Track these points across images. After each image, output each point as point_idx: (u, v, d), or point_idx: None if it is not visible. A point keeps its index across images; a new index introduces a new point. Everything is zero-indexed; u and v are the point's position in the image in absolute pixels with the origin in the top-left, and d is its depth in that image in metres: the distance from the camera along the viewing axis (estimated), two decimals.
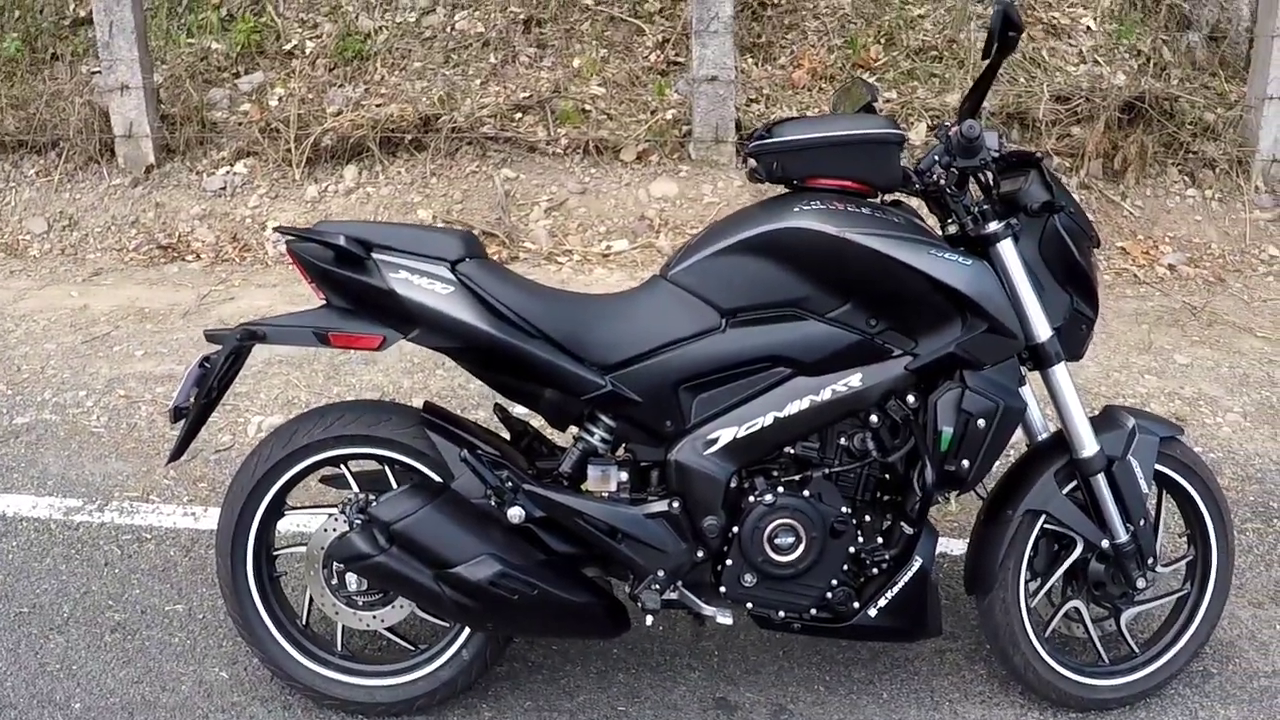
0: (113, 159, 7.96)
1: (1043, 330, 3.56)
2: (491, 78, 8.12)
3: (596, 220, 7.28)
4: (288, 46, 8.17)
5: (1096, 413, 3.88)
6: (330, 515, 3.63)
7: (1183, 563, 4.09)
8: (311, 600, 3.73)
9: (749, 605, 3.61)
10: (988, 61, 3.45)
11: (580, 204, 7.38)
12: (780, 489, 3.51)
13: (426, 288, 3.37)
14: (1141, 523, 3.79)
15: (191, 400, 3.48)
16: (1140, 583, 3.84)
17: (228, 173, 7.49)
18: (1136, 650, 4.01)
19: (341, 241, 3.34)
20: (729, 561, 3.53)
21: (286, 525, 3.89)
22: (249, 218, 7.14)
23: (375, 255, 3.38)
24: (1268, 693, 4.13)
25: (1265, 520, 5.13)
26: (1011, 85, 8.47)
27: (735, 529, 3.50)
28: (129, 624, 4.00)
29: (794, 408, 3.44)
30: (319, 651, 3.73)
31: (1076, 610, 3.94)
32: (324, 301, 3.47)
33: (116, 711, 3.67)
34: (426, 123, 7.65)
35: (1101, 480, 3.73)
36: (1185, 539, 4.10)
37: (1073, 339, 3.68)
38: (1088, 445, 3.69)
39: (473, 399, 5.22)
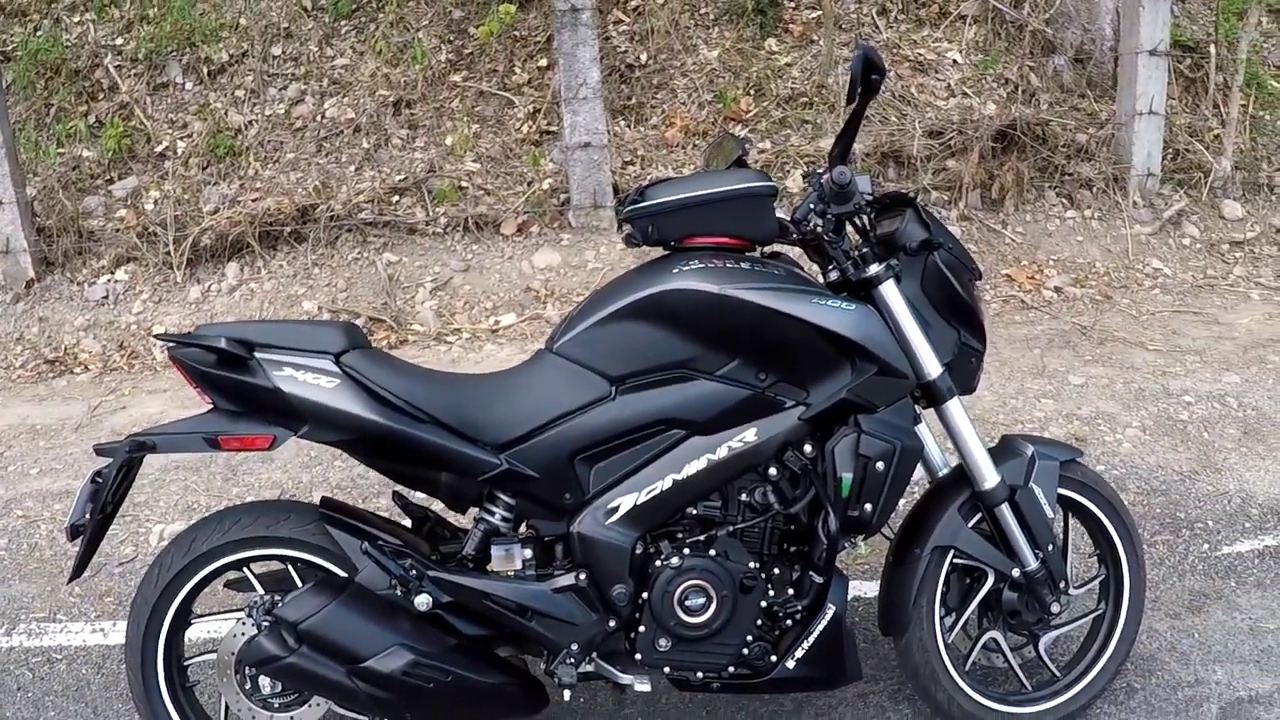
0: None
1: (933, 367, 3.57)
2: (365, 163, 8.11)
3: (482, 296, 7.27)
4: (159, 148, 8.12)
5: (995, 443, 3.89)
6: (238, 619, 3.58)
7: (1095, 582, 4.11)
8: (227, 707, 3.66)
9: (666, 669, 3.58)
10: (852, 106, 3.46)
11: (465, 281, 7.37)
12: (686, 550, 3.50)
13: (312, 383, 3.34)
14: (1050, 548, 3.81)
15: (87, 517, 3.41)
16: (1054, 607, 3.86)
17: (109, 281, 7.42)
18: (1058, 674, 4.03)
19: (223, 344, 3.30)
20: (642, 628, 3.51)
21: (195, 633, 3.84)
22: (134, 324, 7.07)
23: (258, 354, 3.35)
24: (1193, 702, 4.16)
25: (1174, 531, 5.18)
26: (884, 124, 8.56)
27: (645, 595, 3.49)
28: None
29: (692, 468, 3.43)
30: None
31: (994, 641, 3.94)
32: (211, 405, 3.43)
33: None
34: (304, 213, 7.61)
35: (1006, 510, 3.75)
36: (1095, 559, 4.12)
37: (963, 373, 3.70)
38: (989, 477, 3.71)
39: (372, 488, 5.18)
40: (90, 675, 4.28)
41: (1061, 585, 3.87)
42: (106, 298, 7.32)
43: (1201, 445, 5.87)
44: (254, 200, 7.63)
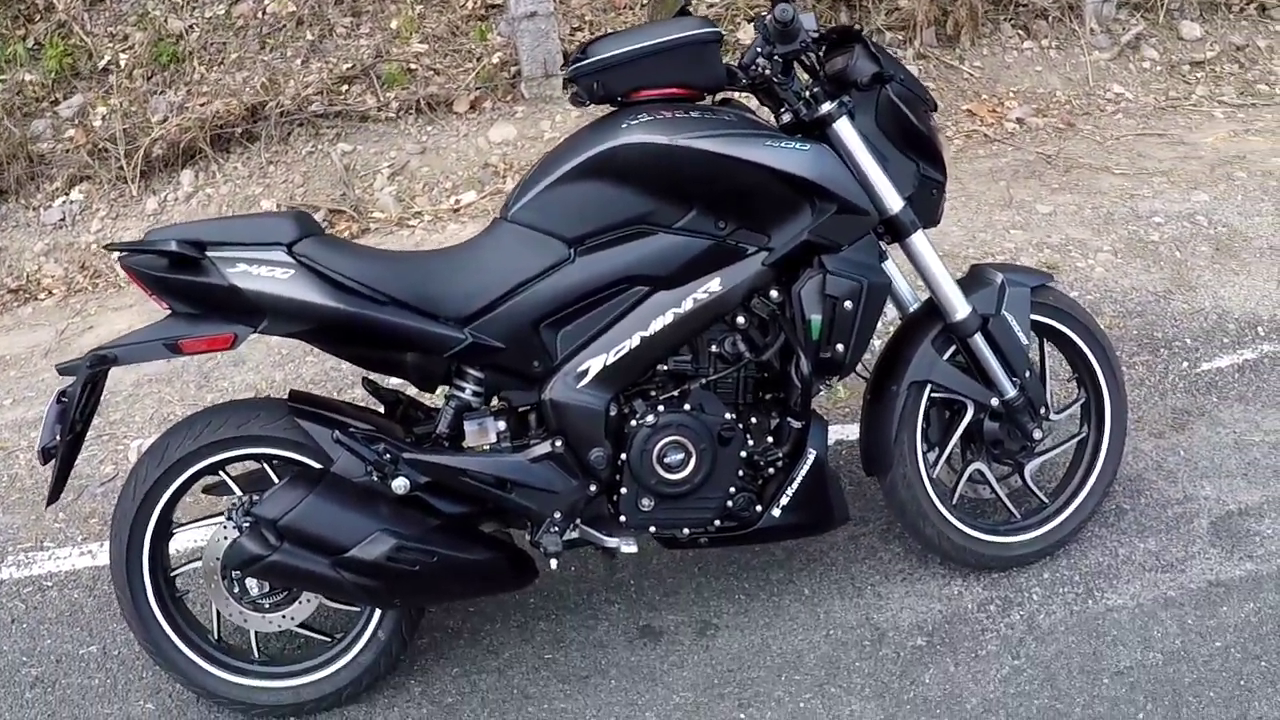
0: None
1: (894, 202, 3.53)
2: (311, 55, 7.97)
3: (441, 177, 7.19)
4: (101, 63, 7.96)
5: (963, 275, 3.86)
6: (219, 524, 3.54)
7: (1076, 406, 4.11)
8: (219, 613, 3.64)
9: (652, 529, 3.58)
10: None
11: (422, 164, 7.28)
12: (661, 408, 3.48)
13: (266, 276, 3.27)
14: (1027, 374, 3.80)
15: (57, 438, 3.37)
16: (1037, 434, 3.86)
17: (64, 203, 7.32)
18: (1046, 501, 4.03)
19: (173, 247, 3.23)
20: (623, 490, 3.50)
21: (179, 543, 3.82)
22: (94, 244, 6.98)
23: (210, 253, 3.27)
24: (1182, 518, 4.18)
25: (1152, 351, 5.17)
26: None
27: (623, 456, 3.47)
28: (47, 676, 3.90)
29: (659, 324, 3.40)
30: (237, 663, 3.64)
31: (979, 473, 3.94)
32: (169, 311, 3.37)
33: None
34: (254, 113, 7.49)
35: (980, 340, 3.73)
36: (1074, 383, 4.12)
37: (926, 205, 3.66)
38: (960, 308, 3.68)
39: (346, 380, 5.14)
40: (83, 599, 4.26)
41: (1042, 411, 3.87)
42: (63, 220, 7.22)
43: (1174, 265, 5.85)
44: (202, 105, 7.51)
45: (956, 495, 3.94)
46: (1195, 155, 7.16)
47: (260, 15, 8.19)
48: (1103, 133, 7.59)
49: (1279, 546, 4.06)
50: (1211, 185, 6.67)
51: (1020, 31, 8.51)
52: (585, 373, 3.40)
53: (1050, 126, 7.72)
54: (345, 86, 7.78)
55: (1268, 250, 5.97)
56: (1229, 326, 5.35)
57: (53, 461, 3.39)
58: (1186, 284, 5.68)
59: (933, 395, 3.78)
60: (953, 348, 3.77)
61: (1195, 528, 4.14)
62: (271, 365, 5.33)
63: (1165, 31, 8.65)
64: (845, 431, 4.58)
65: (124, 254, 3.33)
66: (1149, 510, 4.24)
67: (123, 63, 7.98)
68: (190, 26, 8.11)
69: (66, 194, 7.42)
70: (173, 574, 3.66)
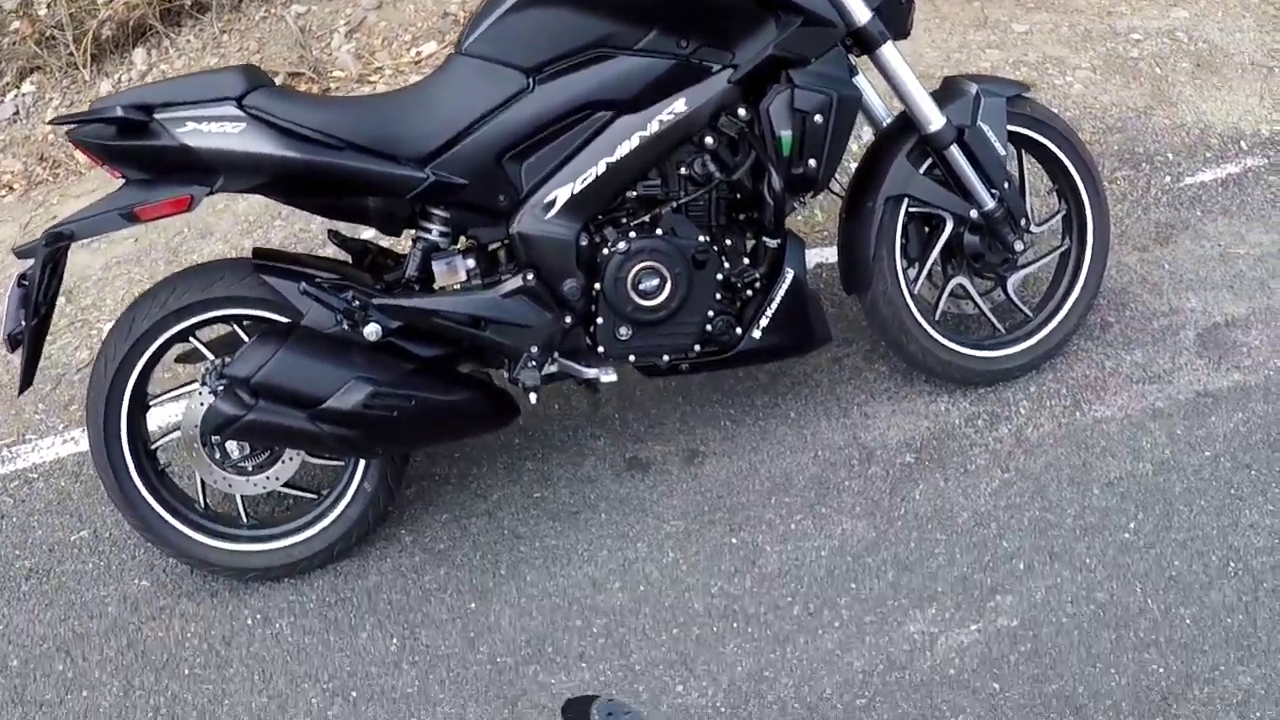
0: None
1: (861, 13, 3.46)
2: None
3: (400, 30, 7.07)
4: None
5: (936, 88, 3.80)
6: (194, 392, 3.50)
7: (1057, 218, 4.06)
8: (203, 482, 3.61)
9: (631, 358, 3.53)
10: None
11: (380, 18, 7.17)
12: (632, 234, 3.41)
13: (218, 132, 3.19)
14: (1006, 186, 3.75)
15: (22, 323, 3.31)
16: (1018, 245, 3.82)
17: (16, 96, 7.21)
18: (1030, 314, 4.01)
19: (119, 113, 3.15)
20: (599, 320, 3.45)
21: (156, 417, 3.78)
22: (50, 134, 6.89)
23: (158, 116, 3.18)
24: (1169, 330, 4.17)
25: (1134, 166, 5.11)
26: None
27: (597, 286, 3.42)
28: (41, 567, 3.88)
29: (625, 149, 3.33)
30: (226, 529, 3.62)
31: (961, 287, 3.91)
32: (122, 180, 3.31)
33: (54, 655, 3.56)
34: None
35: (956, 151, 3.68)
36: (1055, 194, 4.06)
37: (895, 16, 3.59)
38: (934, 119, 3.62)
39: (317, 242, 5.05)
40: (70, 486, 4.23)
41: (1022, 223, 3.82)
42: (17, 114, 7.12)
43: (1154, 81, 5.77)
44: None
45: (939, 311, 3.90)
46: None
47: None
48: None
49: (1266, 357, 4.06)
50: (1191, 2, 6.57)
51: None
52: (553, 203, 3.34)
53: None
54: None
55: (1249, 66, 5.89)
56: (1211, 141, 5.29)
57: (20, 348, 3.34)
58: (1167, 100, 5.61)
59: (910, 210, 3.73)
60: (929, 161, 3.72)
61: (1182, 339, 4.12)
62: (240, 233, 5.27)
63: None
64: (824, 255, 4.53)
65: (71, 127, 3.25)
66: (1134, 323, 4.21)
67: None
68: None
69: (18, 87, 7.31)
70: (153, 448, 3.62)
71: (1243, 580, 3.33)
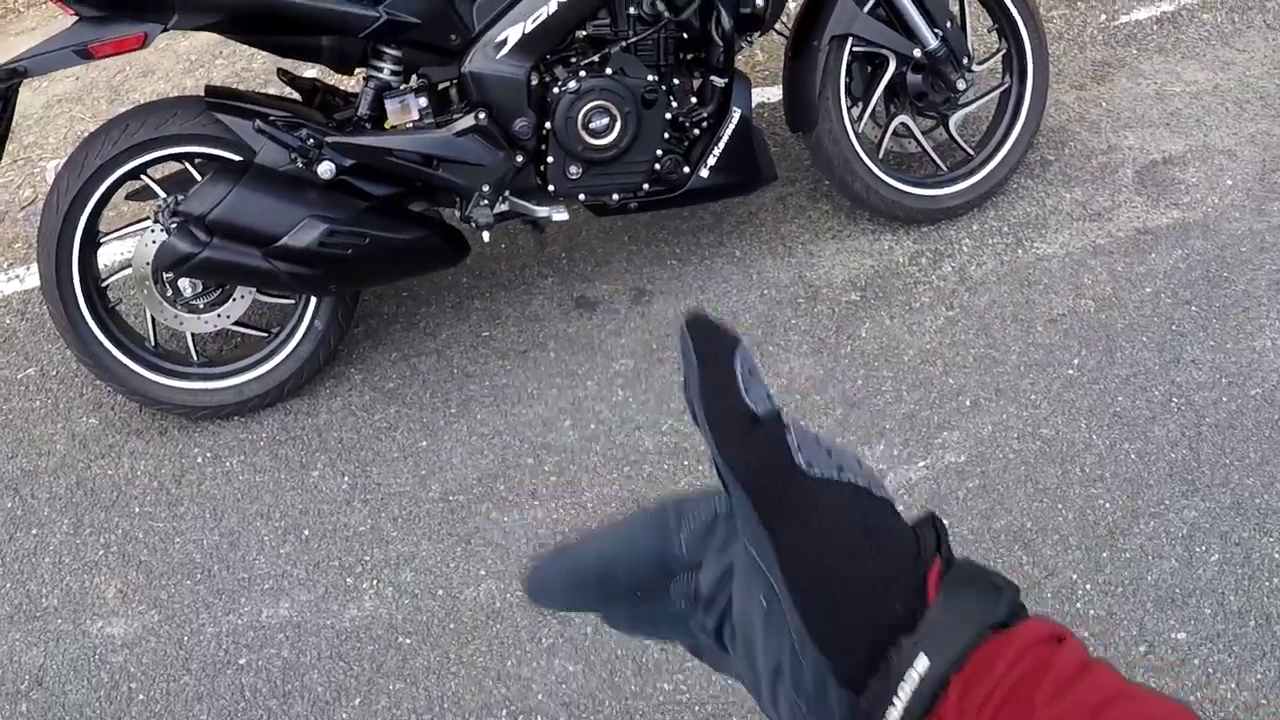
0: None
1: None
2: None
3: None
4: None
5: None
6: (145, 229, 3.50)
7: (998, 57, 4.10)
8: (154, 319, 3.63)
9: (581, 196, 3.58)
10: None
11: None
12: (582, 74, 3.43)
13: None
14: (949, 25, 3.78)
15: None
16: (960, 84, 3.86)
17: None
18: (971, 153, 4.06)
19: None
20: (550, 159, 3.48)
21: (107, 255, 3.78)
22: None
23: None
24: (1107, 168, 4.21)
25: (1069, 4, 5.15)
26: None
27: (548, 125, 3.44)
28: None
29: None
30: (177, 367, 3.65)
31: (904, 126, 3.95)
32: (76, 17, 3.28)
33: (1, 493, 3.59)
34: None
35: None
36: (995, 34, 4.08)
37: None
38: None
39: (259, 80, 5.03)
40: (15, 324, 4.23)
41: (964, 62, 3.86)
42: None
43: None
44: None
45: (882, 150, 3.95)
46: None
47: None
48: None
49: (1204, 194, 4.11)
50: None
51: None
52: (504, 42, 3.36)
53: None
54: None
55: None
56: None
57: None
58: None
59: (854, 50, 3.75)
60: (872, 0, 3.73)
61: (1120, 177, 4.17)
62: (182, 72, 5.23)
63: None
64: (766, 94, 4.55)
65: None
66: (1074, 161, 4.26)
67: None
68: None
69: None
70: (104, 285, 3.64)
71: (1185, 415, 3.41)
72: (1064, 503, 3.23)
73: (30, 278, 4.34)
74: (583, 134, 3.44)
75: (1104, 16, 5.05)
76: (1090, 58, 4.81)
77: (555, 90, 3.43)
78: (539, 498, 3.37)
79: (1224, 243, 3.91)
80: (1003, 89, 4.08)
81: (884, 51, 3.77)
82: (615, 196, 3.59)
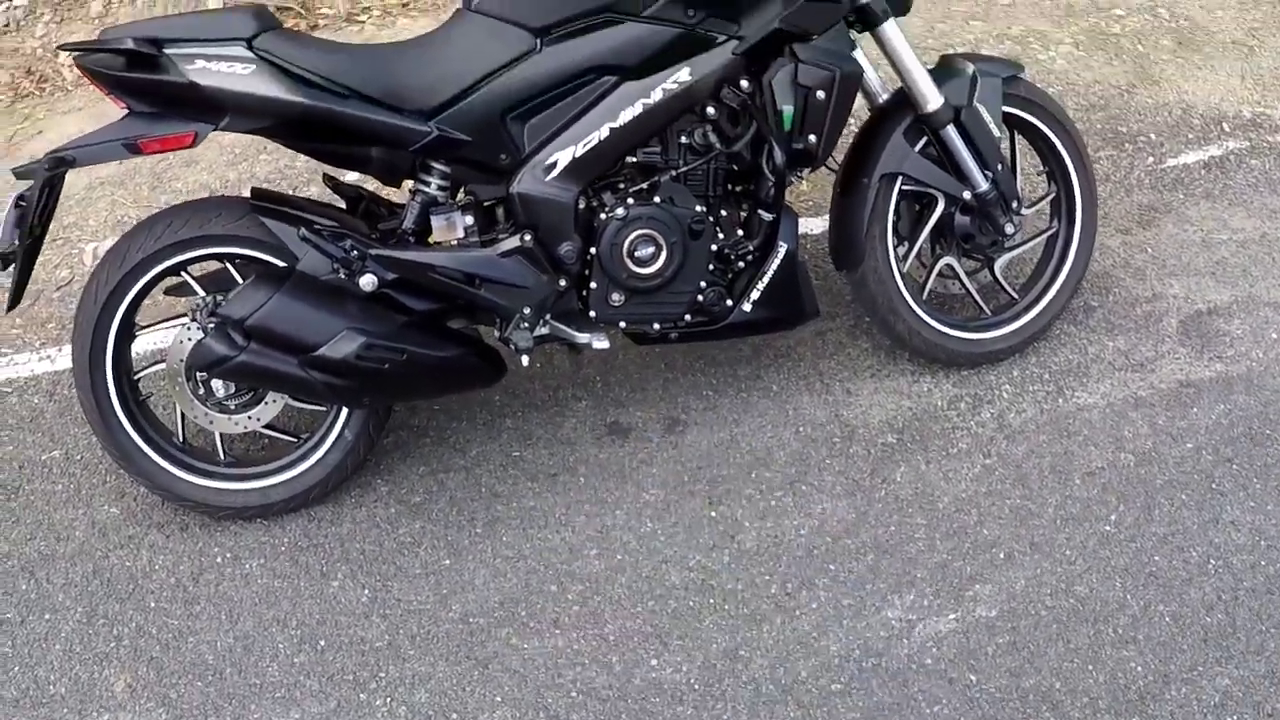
0: None
1: None
2: None
3: None
4: None
5: (933, 65, 3.80)
6: (182, 325, 3.50)
7: (1046, 201, 4.08)
8: (183, 415, 3.61)
9: (622, 324, 3.55)
10: None
11: None
12: (630, 201, 3.42)
13: (227, 72, 3.19)
14: (999, 167, 3.76)
15: (15, 243, 3.30)
16: (1008, 228, 3.83)
17: (7, 8, 7.14)
18: (1016, 296, 4.02)
19: (130, 45, 3.14)
20: (593, 284, 3.46)
21: (141, 346, 3.79)
22: (39, 48, 6.81)
23: (168, 50, 3.18)
24: (1151, 317, 4.19)
25: (1117, 146, 5.13)
26: None
27: (593, 250, 3.43)
28: (9, 483, 3.87)
29: (628, 115, 3.34)
30: (203, 465, 3.62)
31: (949, 267, 3.92)
32: (127, 111, 3.29)
33: (17, 574, 3.56)
34: None
35: (951, 131, 3.69)
36: (1044, 176, 4.07)
37: None
38: (931, 98, 3.64)
39: (301, 177, 5.06)
40: (44, 404, 4.22)
41: (1013, 205, 3.83)
42: (7, 26, 7.06)
43: (1136, 58, 5.79)
44: None
45: (926, 290, 3.92)
46: None
47: None
48: None
49: (1248, 347, 4.07)
50: None
51: None
52: (554, 165, 3.35)
53: None
54: None
55: (1230, 45, 5.92)
56: (1194, 122, 5.32)
57: (12, 266, 3.33)
58: (1150, 78, 5.63)
59: (903, 188, 3.74)
60: (924, 139, 3.73)
61: (1164, 327, 4.14)
62: (225, 165, 5.25)
63: None
64: (810, 226, 4.53)
65: (79, 54, 3.24)
66: (1118, 308, 4.23)
67: None
68: None
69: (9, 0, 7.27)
70: (136, 377, 3.62)
71: (1223, 578, 3.35)
72: (1095, 664, 3.17)
73: (61, 359, 4.34)
74: (627, 261, 3.42)
75: (1151, 159, 5.05)
76: (1137, 201, 4.79)
77: (602, 216, 3.42)
78: (560, 626, 3.32)
79: (1268, 399, 3.87)
80: (1050, 233, 4.06)
81: (933, 192, 3.75)
82: (656, 326, 3.57)
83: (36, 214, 3.29)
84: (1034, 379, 3.96)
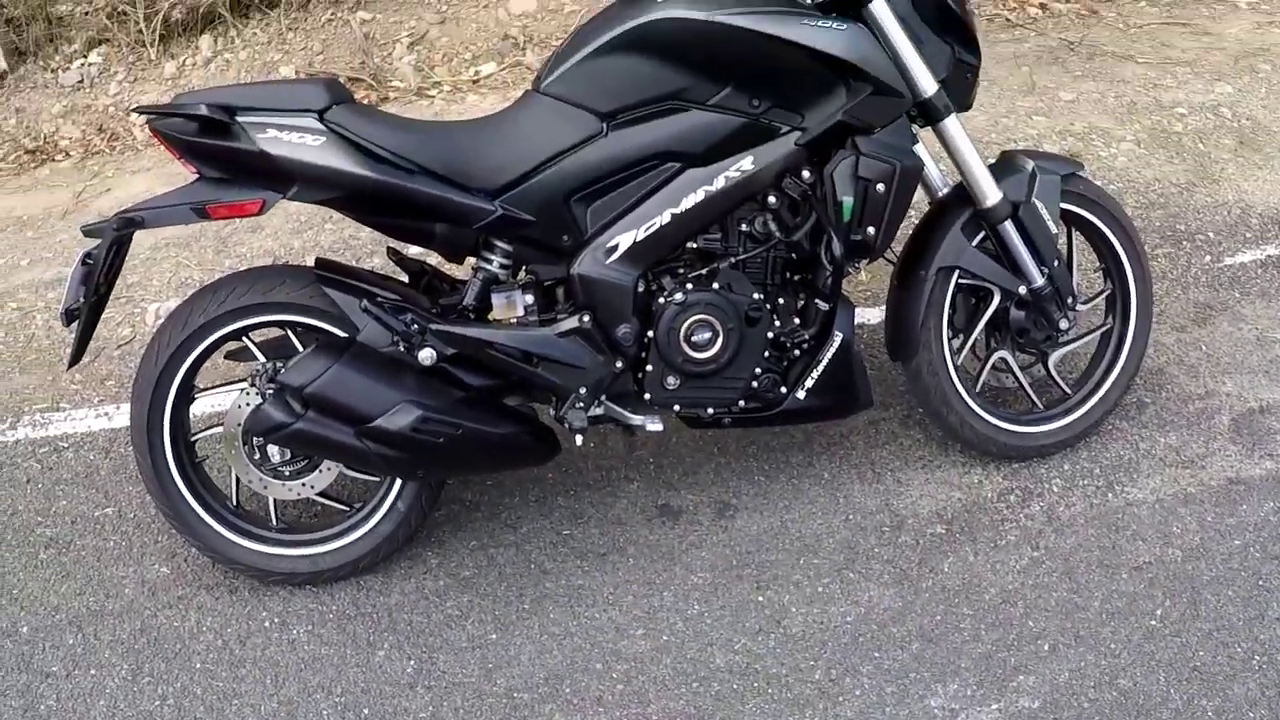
0: None
1: (928, 84, 3.49)
2: None
3: (461, 47, 7.11)
4: None
5: (993, 160, 3.83)
6: (241, 390, 3.54)
7: (1102, 297, 4.09)
8: (238, 479, 3.64)
9: (676, 408, 3.57)
10: None
11: (442, 34, 7.20)
12: (689, 286, 3.46)
13: (297, 142, 3.24)
14: (1055, 263, 3.78)
15: (81, 300, 3.34)
16: (1063, 324, 3.84)
17: (83, 65, 7.25)
18: (1069, 391, 4.03)
19: (204, 111, 3.19)
20: (649, 367, 3.49)
21: (200, 408, 3.80)
22: (111, 106, 6.92)
23: (240, 118, 3.23)
24: (1203, 414, 4.17)
25: (1175, 244, 5.14)
26: None
27: (650, 333, 3.45)
28: (61, 537, 3.91)
29: (690, 201, 3.37)
30: (255, 529, 3.65)
31: (1003, 361, 3.93)
32: (197, 175, 3.34)
33: (65, 628, 3.59)
34: None
35: (1010, 227, 3.70)
36: (1100, 273, 4.09)
37: (960, 89, 3.62)
38: (991, 194, 3.66)
39: (365, 248, 5.11)
40: (99, 460, 4.26)
41: (1069, 301, 3.84)
42: (82, 82, 7.17)
43: (1197, 156, 5.80)
44: None
45: (980, 383, 3.93)
46: (1219, 46, 7.07)
47: None
48: (1126, 20, 7.50)
49: None
50: (1235, 77, 6.60)
51: None
52: (615, 248, 3.38)
53: (1073, 12, 7.62)
54: None
55: None
56: (1252, 221, 5.31)
57: (75, 323, 3.38)
58: (1209, 177, 5.64)
59: (960, 281, 3.75)
60: (982, 234, 3.74)
61: (1216, 424, 4.13)
62: (290, 232, 5.31)
63: None
64: (866, 315, 4.55)
65: (153, 117, 3.30)
66: (1170, 405, 4.22)
67: None
68: None
69: (85, 56, 7.36)
70: (193, 439, 3.65)
71: (1267, 675, 3.33)
72: None
73: (119, 416, 4.39)
74: (684, 346, 3.44)
75: (1209, 257, 5.05)
76: (1193, 299, 4.79)
77: (661, 300, 3.45)
78: (604, 705, 3.32)
79: None
80: (1104, 329, 4.07)
81: (989, 286, 3.77)
82: (710, 410, 3.59)
83: (103, 272, 3.34)
84: (1084, 473, 3.96)
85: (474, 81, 6.88)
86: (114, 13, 7.33)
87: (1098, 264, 4.08)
